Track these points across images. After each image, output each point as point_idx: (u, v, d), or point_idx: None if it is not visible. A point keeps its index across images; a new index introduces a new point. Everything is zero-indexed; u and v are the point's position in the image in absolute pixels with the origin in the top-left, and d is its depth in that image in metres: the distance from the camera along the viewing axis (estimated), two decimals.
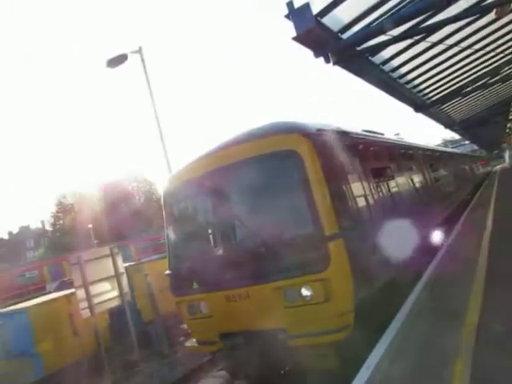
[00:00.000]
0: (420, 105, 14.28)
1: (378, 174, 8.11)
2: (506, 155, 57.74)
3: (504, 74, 13.96)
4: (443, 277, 7.44)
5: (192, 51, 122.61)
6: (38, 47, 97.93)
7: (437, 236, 11.60)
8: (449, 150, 29.88)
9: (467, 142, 53.49)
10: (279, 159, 5.70)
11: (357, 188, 6.60)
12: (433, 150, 18.75)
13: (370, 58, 8.49)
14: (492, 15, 7.80)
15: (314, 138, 5.82)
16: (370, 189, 7.19)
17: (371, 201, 6.98)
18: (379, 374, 4.27)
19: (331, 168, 5.86)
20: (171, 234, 6.95)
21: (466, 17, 7.94)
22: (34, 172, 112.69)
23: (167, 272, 6.82)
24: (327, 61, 6.81)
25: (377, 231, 6.68)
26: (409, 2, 7.26)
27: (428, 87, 13.13)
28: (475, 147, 63.68)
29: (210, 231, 6.35)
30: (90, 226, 39.04)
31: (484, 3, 7.85)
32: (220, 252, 6.14)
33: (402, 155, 11.25)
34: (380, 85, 10.22)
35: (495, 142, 50.06)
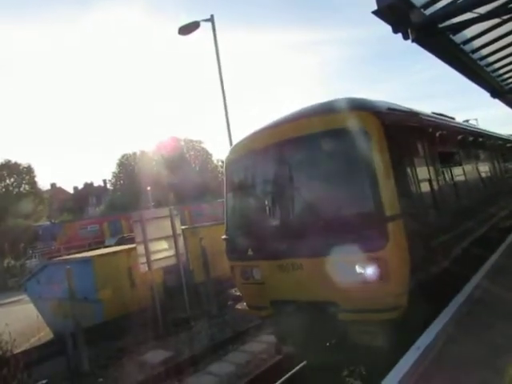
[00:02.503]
0: (498, 90, 13.40)
1: (446, 160, 7.86)
2: None
3: None
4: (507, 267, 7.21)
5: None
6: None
7: (501, 228, 11.12)
8: None
9: None
10: (347, 136, 5.63)
11: (422, 172, 6.46)
12: (506, 140, 17.68)
13: (451, 36, 8.05)
14: None
15: (383, 117, 5.73)
16: (436, 174, 7.01)
17: (436, 186, 6.81)
18: (431, 354, 4.28)
19: (398, 149, 5.77)
20: (230, 200, 7.16)
21: None
22: (100, 131, 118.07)
23: (224, 237, 7.06)
24: (406, 37, 6.57)
25: (439, 217, 6.56)
26: None
27: (509, 72, 12.26)
28: None
29: (269, 201, 6.42)
30: (149, 188, 40.69)
31: None
32: (277, 222, 6.23)
33: (473, 142, 10.75)
34: (458, 66, 9.68)
35: None
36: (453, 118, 10.47)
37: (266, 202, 6.32)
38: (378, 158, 5.40)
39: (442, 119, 9.13)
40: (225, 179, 7.28)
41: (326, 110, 6.02)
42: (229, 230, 6.98)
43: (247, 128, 7.06)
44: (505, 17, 7.77)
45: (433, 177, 6.79)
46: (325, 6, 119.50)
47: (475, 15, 6.76)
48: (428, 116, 8.03)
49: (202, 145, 71.54)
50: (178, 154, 64.44)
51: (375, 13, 5.91)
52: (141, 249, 10.90)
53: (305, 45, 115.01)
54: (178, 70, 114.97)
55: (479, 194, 10.09)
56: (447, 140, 8.51)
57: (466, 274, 6.98)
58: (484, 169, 11.18)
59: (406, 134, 6.34)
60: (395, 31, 6.51)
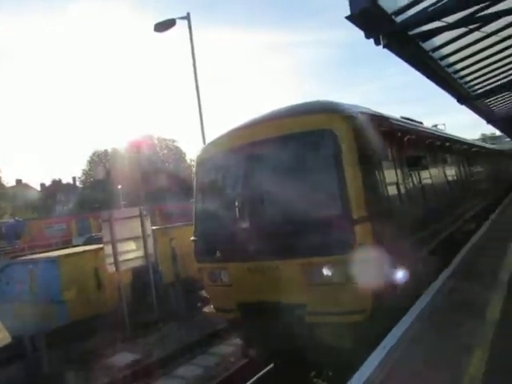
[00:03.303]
0: (464, 96, 13.77)
1: (414, 163, 7.99)
2: None
3: None
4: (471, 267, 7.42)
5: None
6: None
7: (464, 231, 11.43)
8: (487, 145, 29.03)
9: (508, 139, 51.48)
10: (317, 138, 5.70)
11: (390, 175, 6.58)
12: (471, 145, 18.26)
13: (420, 43, 8.23)
14: None
15: (354, 120, 5.82)
16: (404, 177, 7.15)
17: (403, 189, 6.94)
18: (396, 354, 4.32)
19: (367, 152, 5.85)
20: (200, 200, 7.06)
21: None
22: (71, 127, 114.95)
23: (192, 238, 6.97)
24: (377, 43, 6.67)
25: (406, 219, 6.67)
26: None
27: (475, 79, 12.62)
28: None
29: (239, 203, 6.36)
30: (120, 186, 39.96)
31: None
32: (247, 224, 6.17)
33: (439, 147, 11.03)
34: (427, 72, 9.90)
35: None
36: (421, 123, 10.72)
37: (236, 203, 6.27)
38: (347, 160, 5.45)
39: (410, 124, 9.33)
40: (195, 178, 7.18)
41: (298, 112, 6.05)
42: (198, 231, 6.89)
43: (222, 128, 7.00)
44: (472, 26, 8.00)
45: (400, 180, 6.92)
46: (305, 8, 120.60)
47: (444, 24, 6.93)
48: (397, 120, 8.19)
49: (176, 143, 70.92)
50: (150, 153, 63.64)
51: (348, 18, 5.94)
52: (108, 249, 10.66)
53: (283, 46, 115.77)
54: (154, 67, 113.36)
55: (445, 196, 10.35)
56: (415, 144, 8.69)
57: (433, 274, 7.11)
58: (450, 172, 11.50)
59: (376, 137, 6.40)
60: (367, 36, 6.58)
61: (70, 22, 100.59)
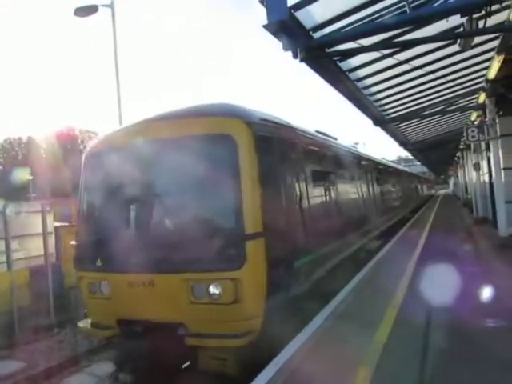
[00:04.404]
0: (379, 119, 14.51)
1: (320, 179, 7.90)
2: (451, 182, 61.35)
3: (459, 105, 14.55)
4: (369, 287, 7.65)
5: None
6: None
7: (370, 247, 11.94)
8: (399, 167, 30.94)
9: (419, 162, 55.71)
10: (215, 143, 5.30)
11: (292, 189, 6.35)
12: (383, 165, 19.23)
13: (338, 62, 8.48)
14: (457, 46, 8.00)
15: (255, 127, 5.44)
16: (307, 192, 6.90)
17: (305, 205, 6.70)
18: (287, 371, 4.28)
19: (268, 163, 5.53)
20: (85, 202, 6.44)
21: (435, 41, 8.17)
22: None
23: (73, 242, 6.38)
24: (295, 56, 6.66)
25: (305, 237, 6.39)
26: (385, 14, 7.28)
27: (389, 103, 13.37)
28: (425, 169, 66.59)
29: (126, 208, 5.87)
30: (30, 177, 36.98)
31: (456, 31, 8.03)
32: (132, 232, 5.70)
33: (350, 164, 11.12)
34: (344, 92, 10.21)
35: (443, 167, 52.49)
36: (335, 139, 10.86)
37: (122, 208, 5.78)
38: (242, 170, 5.11)
39: (321, 138, 9.29)
40: (82, 175, 6.47)
41: (197, 113, 5.70)
42: (79, 236, 6.30)
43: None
44: (385, 52, 8.40)
45: (303, 195, 6.68)
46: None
47: (358, 46, 7.17)
48: (306, 132, 7.97)
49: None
50: (71, 144, 59.99)
51: (265, 27, 5.89)
52: None
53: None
54: (79, 57, 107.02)
55: (351, 214, 10.42)
56: (323, 159, 8.63)
57: (334, 292, 7.07)
58: (358, 190, 11.67)
59: (279, 147, 6.09)
60: (285, 48, 6.57)
61: None
